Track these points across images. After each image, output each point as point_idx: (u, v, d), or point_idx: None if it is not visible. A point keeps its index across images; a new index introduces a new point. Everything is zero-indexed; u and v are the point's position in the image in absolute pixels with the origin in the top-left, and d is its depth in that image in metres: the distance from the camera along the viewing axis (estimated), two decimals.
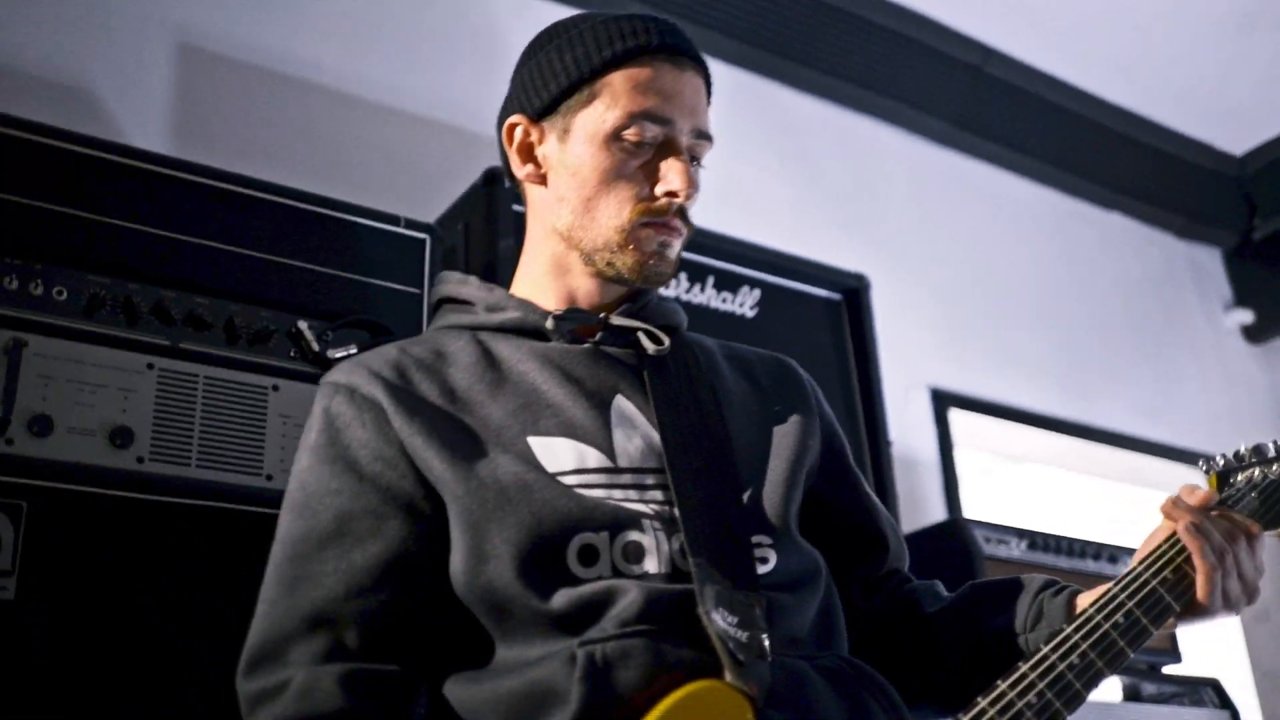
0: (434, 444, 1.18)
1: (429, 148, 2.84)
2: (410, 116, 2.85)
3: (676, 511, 1.17)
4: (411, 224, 1.98)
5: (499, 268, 2.08)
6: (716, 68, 3.80)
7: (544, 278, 1.37)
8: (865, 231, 3.65)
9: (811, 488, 1.37)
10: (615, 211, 1.28)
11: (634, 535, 1.15)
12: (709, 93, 1.37)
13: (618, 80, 1.28)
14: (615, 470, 1.20)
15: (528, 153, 1.36)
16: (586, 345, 1.32)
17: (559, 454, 1.19)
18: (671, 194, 1.28)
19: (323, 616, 1.12)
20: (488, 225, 2.13)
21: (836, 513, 1.41)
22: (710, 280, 2.39)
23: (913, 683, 1.31)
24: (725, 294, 2.40)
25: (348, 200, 1.95)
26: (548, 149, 1.34)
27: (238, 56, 2.62)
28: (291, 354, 1.77)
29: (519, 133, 1.36)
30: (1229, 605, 1.21)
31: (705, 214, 2.75)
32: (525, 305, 1.34)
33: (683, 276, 2.35)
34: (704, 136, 1.33)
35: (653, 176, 1.29)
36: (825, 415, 1.46)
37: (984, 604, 1.32)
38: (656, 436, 1.24)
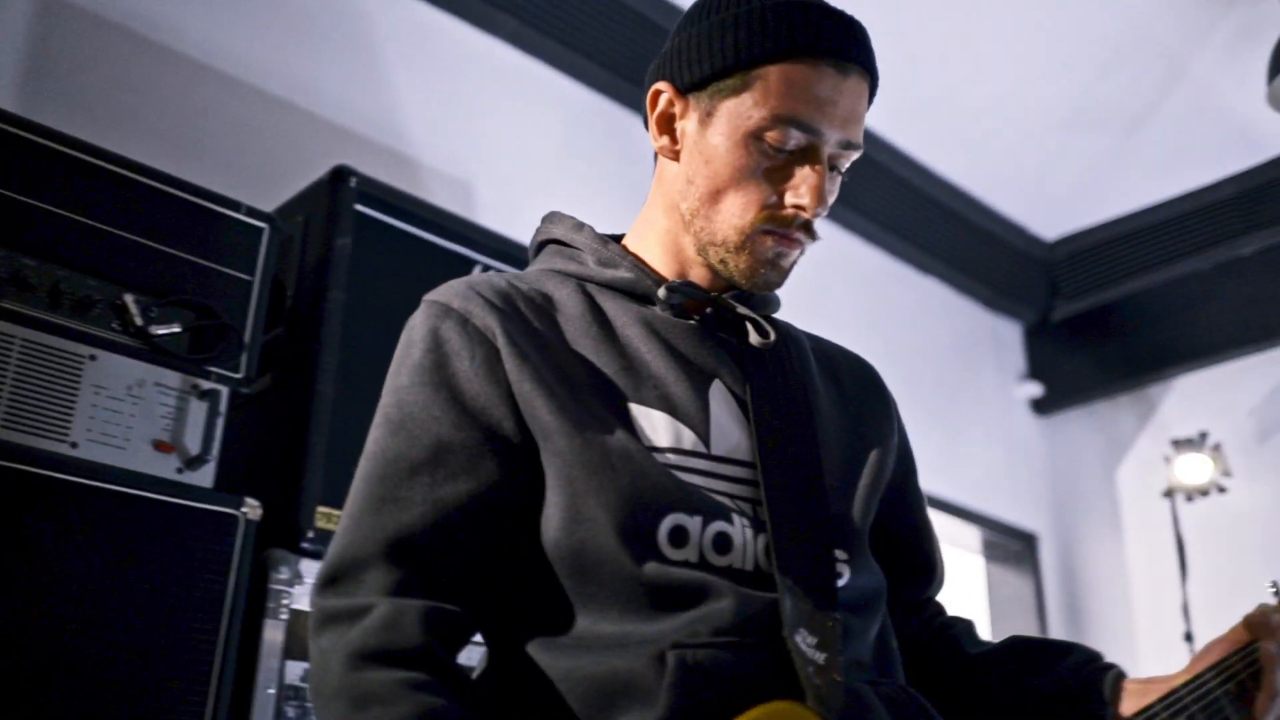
0: (542, 392, 1.13)
1: (281, 131, 2.86)
2: (267, 97, 2.87)
3: (764, 514, 1.14)
4: (252, 212, 2.03)
5: (333, 266, 2.14)
6: (579, 92, 3.90)
7: (656, 248, 1.30)
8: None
9: (880, 503, 1.32)
10: (739, 211, 1.21)
11: (723, 526, 1.12)
12: (873, 95, 1.26)
13: (773, 76, 1.18)
14: (708, 457, 1.16)
15: (667, 124, 1.27)
16: (692, 321, 1.26)
17: (657, 428, 1.16)
18: (799, 207, 1.20)
19: (406, 544, 1.09)
20: (328, 222, 2.17)
21: (896, 532, 1.37)
22: None
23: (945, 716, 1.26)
24: None
25: (191, 173, 1.98)
26: (688, 126, 1.25)
27: (99, 12, 2.60)
28: (113, 326, 1.81)
29: (663, 101, 1.27)
30: None
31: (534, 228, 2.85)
32: (639, 268, 1.28)
33: None
34: (852, 147, 1.23)
35: (785, 183, 1.21)
36: (902, 431, 1.43)
37: (1031, 659, 1.29)
38: (751, 432, 1.20)
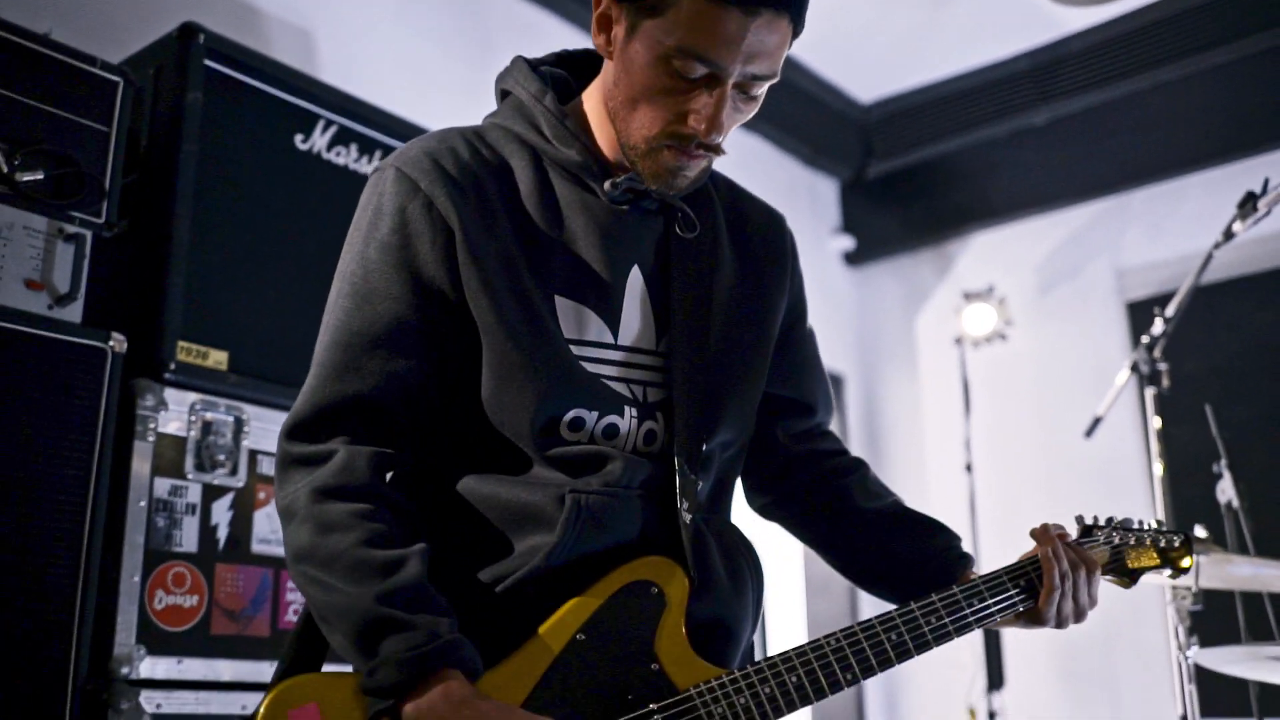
0: (485, 290, 1.32)
1: None
2: None
3: (653, 395, 1.39)
4: (107, 66, 2.15)
5: (186, 117, 2.28)
6: None
7: (598, 128, 1.44)
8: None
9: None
10: (648, 123, 1.35)
11: (614, 419, 1.37)
12: (798, 24, 1.34)
13: (686, 7, 1.27)
14: (614, 347, 1.38)
15: (605, 25, 1.37)
16: (627, 207, 1.42)
17: (573, 319, 1.37)
18: (696, 129, 1.33)
19: (361, 405, 1.31)
20: (178, 76, 2.30)
21: (779, 373, 1.56)
22: (377, 154, 2.66)
23: (822, 544, 1.62)
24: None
25: (33, 23, 2.07)
26: (618, 32, 1.35)
27: None
28: None
29: (603, 3, 1.36)
30: (1060, 619, 1.48)
31: (379, 88, 2.99)
32: (588, 151, 1.42)
33: (353, 148, 2.61)
34: (760, 78, 1.33)
35: (688, 105, 1.32)
36: (797, 280, 1.61)
37: (901, 532, 1.56)
38: (652, 318, 1.42)
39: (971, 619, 1.43)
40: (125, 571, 2.03)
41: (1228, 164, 4.69)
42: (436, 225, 1.33)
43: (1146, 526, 1.63)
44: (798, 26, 1.34)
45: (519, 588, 1.30)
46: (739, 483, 1.58)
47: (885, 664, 1.36)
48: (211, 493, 2.19)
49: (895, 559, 1.55)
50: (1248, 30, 4.50)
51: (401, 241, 1.34)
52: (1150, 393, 3.14)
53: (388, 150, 2.66)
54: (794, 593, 5.16)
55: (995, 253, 5.36)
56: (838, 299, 5.67)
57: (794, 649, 1.34)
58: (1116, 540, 1.60)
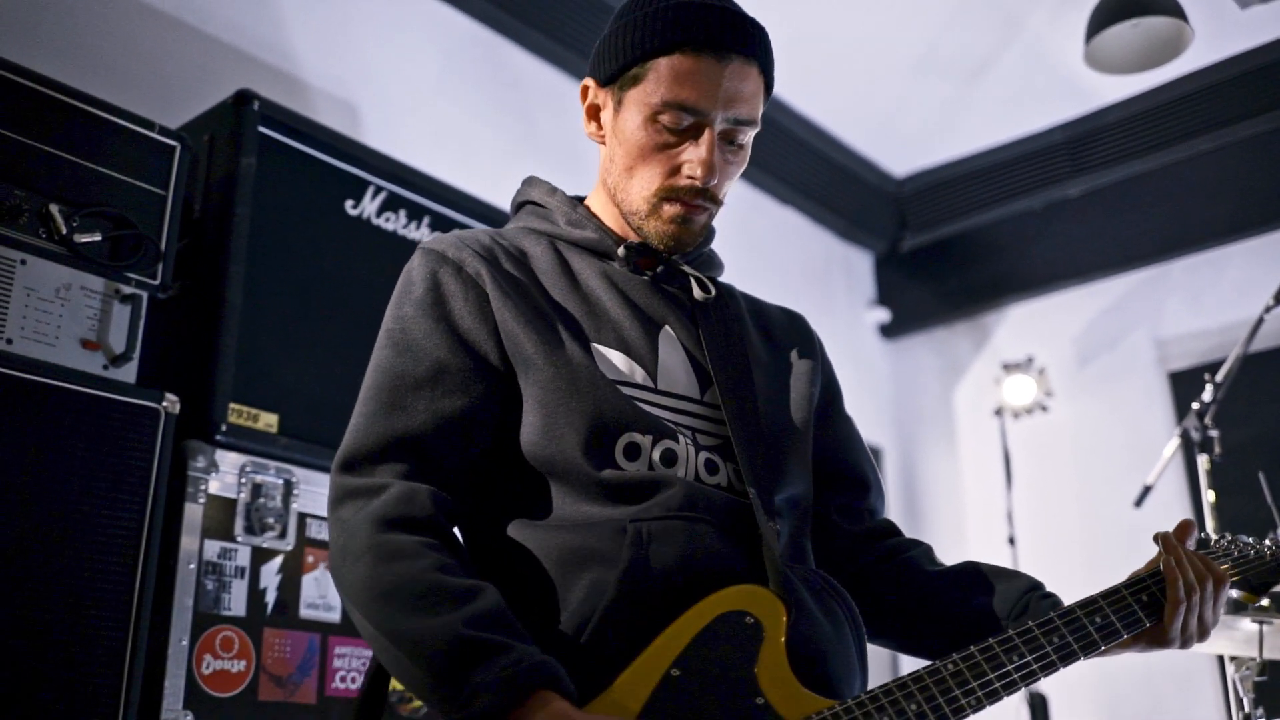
0: (523, 327, 1.35)
1: (174, 51, 2.95)
2: (161, 16, 2.96)
3: (704, 439, 1.38)
4: (165, 131, 2.18)
5: (240, 182, 2.30)
6: (455, 18, 4.03)
7: (606, 216, 1.51)
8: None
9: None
10: (646, 183, 1.42)
11: (670, 444, 1.34)
12: (768, 75, 1.44)
13: (663, 67, 1.37)
14: (655, 391, 1.38)
15: (594, 114, 1.48)
16: (645, 277, 1.48)
17: (614, 364, 1.38)
18: (691, 178, 1.40)
19: (410, 442, 1.30)
20: (233, 142, 2.32)
21: (823, 449, 1.56)
22: (426, 220, 2.68)
23: (890, 622, 1.52)
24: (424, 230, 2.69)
25: (92, 89, 2.10)
26: (607, 115, 1.46)
27: None
28: (40, 233, 1.96)
29: (590, 94, 1.48)
30: (1185, 638, 1.39)
31: (420, 160, 3.03)
32: (602, 229, 1.49)
33: (402, 214, 2.63)
34: (741, 123, 1.41)
35: (680, 157, 1.41)
36: (826, 363, 1.64)
37: (980, 583, 1.48)
38: (691, 370, 1.42)
39: (1096, 636, 1.34)
40: (174, 635, 2.00)
41: (1269, 233, 4.67)
42: (468, 284, 1.38)
43: (1266, 541, 1.54)
44: (768, 79, 1.44)
45: (597, 629, 1.23)
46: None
47: (1010, 687, 1.28)
48: (260, 556, 2.16)
49: (979, 613, 1.46)
50: None
51: (435, 299, 1.38)
52: (1202, 460, 3.08)
53: (436, 216, 2.69)
54: None
55: (1033, 324, 5.33)
56: (874, 372, 5.64)
57: (910, 674, 1.26)
58: (1236, 553, 1.51)
